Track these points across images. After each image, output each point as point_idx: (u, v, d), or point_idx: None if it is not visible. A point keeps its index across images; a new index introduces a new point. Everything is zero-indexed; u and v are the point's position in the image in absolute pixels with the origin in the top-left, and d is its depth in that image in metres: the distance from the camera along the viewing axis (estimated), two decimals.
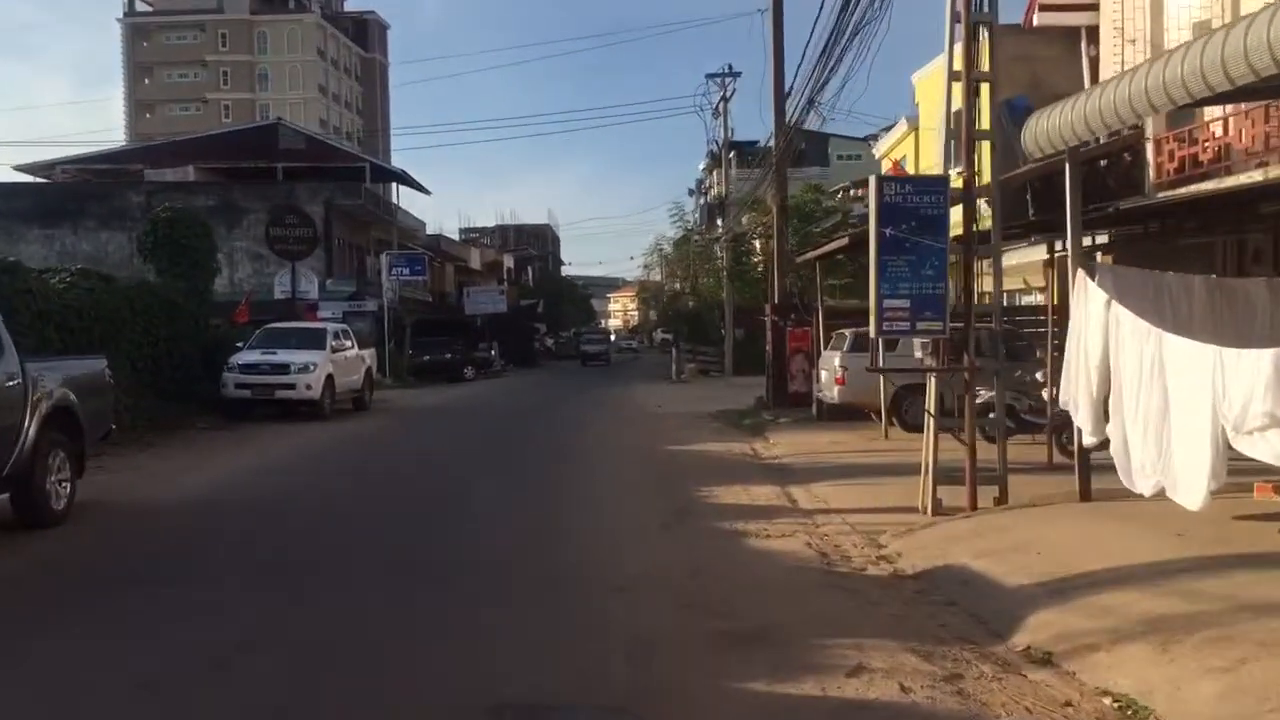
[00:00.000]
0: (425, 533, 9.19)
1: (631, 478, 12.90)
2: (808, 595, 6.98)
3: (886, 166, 36.42)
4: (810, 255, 19.76)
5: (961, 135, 9.24)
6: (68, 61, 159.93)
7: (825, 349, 18.91)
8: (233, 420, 19.97)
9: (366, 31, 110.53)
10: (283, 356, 20.04)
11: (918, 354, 10.01)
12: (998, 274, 9.78)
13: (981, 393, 15.61)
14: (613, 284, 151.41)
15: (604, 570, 7.66)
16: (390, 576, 7.53)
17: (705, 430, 18.98)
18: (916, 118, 30.86)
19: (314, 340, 21.05)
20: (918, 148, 27.17)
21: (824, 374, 18.53)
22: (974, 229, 9.31)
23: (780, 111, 21.06)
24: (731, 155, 40.54)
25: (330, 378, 20.49)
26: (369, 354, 23.87)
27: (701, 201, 40.72)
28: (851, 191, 43.24)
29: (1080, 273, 8.45)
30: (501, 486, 12.11)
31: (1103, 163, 17.17)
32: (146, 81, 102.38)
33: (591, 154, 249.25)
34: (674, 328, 60.45)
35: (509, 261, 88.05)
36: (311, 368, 19.94)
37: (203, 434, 18.44)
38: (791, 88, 21.14)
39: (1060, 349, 17.87)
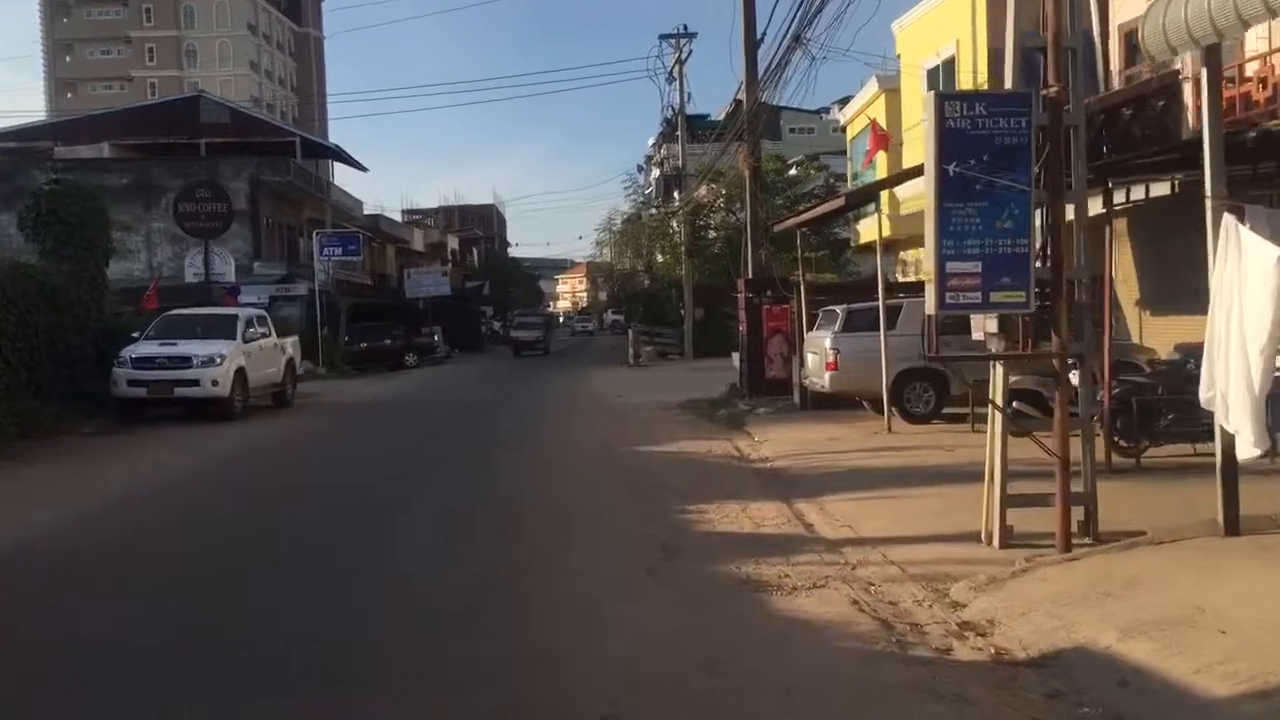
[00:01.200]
0: (321, 607, 6.62)
1: (598, 493, 10.42)
2: (893, 712, 4.57)
3: (854, 132, 34.17)
4: (792, 221, 17.37)
5: (1049, 40, 6.78)
6: None
7: (811, 329, 16.56)
8: (127, 422, 17.19)
9: (299, 5, 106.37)
10: (184, 348, 17.23)
11: (977, 334, 7.64)
12: (1081, 228, 7.40)
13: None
14: (561, 265, 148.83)
15: (579, 670, 5.19)
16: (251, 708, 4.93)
17: (676, 424, 16.54)
18: (896, 75, 28.67)
19: (223, 328, 18.25)
20: (896, 109, 24.85)
21: (810, 358, 16.18)
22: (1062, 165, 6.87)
23: (752, 59, 18.61)
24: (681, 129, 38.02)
25: (241, 371, 17.72)
26: (290, 342, 21.08)
27: (655, 174, 37.94)
28: (811, 165, 41.03)
29: (1229, 219, 6.09)
30: (435, 513, 9.57)
31: (1127, 111, 14.99)
32: (68, 59, 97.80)
33: (539, 129, 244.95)
34: (627, 308, 57.93)
35: (453, 242, 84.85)
36: (218, 360, 17.15)
37: (86, 441, 15.67)
38: (764, 34, 18.73)
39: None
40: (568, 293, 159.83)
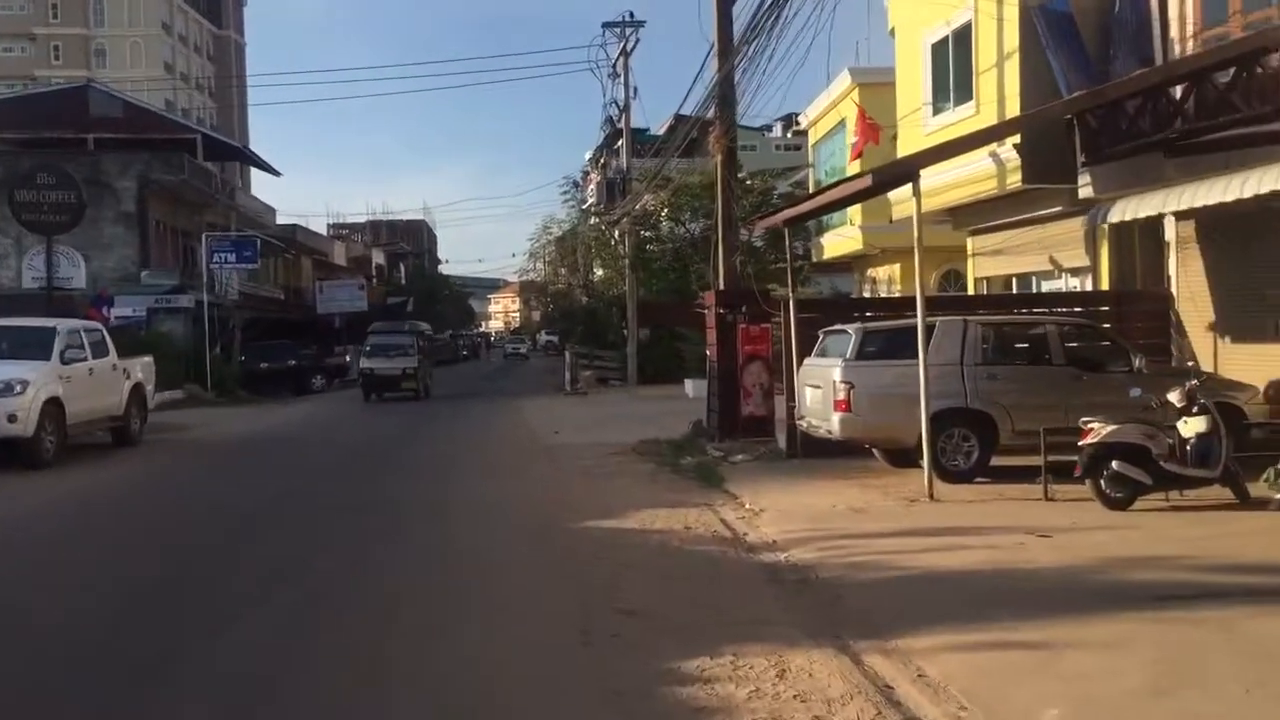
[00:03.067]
0: None
1: (523, 633, 6.32)
2: None
3: (820, 134, 30.69)
4: (802, 208, 13.30)
5: None
6: None
7: (808, 357, 12.74)
8: None
9: (220, 6, 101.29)
10: None
11: None
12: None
13: (1095, 427, 9.74)
14: (494, 284, 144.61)
15: None
16: None
17: (633, 479, 12.56)
18: (872, 68, 25.30)
19: (34, 345, 13.86)
20: (878, 102, 21.19)
21: (810, 393, 12.33)
22: None
23: (725, 15, 14.85)
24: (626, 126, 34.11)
25: (55, 402, 13.37)
26: (140, 364, 16.69)
27: (596, 180, 33.97)
28: (768, 175, 37.32)
29: None
30: (261, 668, 5.47)
31: (1223, 77, 11.48)
32: None
33: (473, 140, 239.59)
34: (563, 329, 53.77)
35: (379, 257, 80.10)
36: (17, 388, 12.78)
37: None
38: None
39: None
40: (500, 313, 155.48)
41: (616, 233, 33.62)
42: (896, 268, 27.87)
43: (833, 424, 11.43)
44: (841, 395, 11.22)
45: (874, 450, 12.50)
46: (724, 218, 15.59)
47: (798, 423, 12.81)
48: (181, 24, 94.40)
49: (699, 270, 34.86)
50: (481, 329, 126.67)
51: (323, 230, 69.55)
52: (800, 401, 12.69)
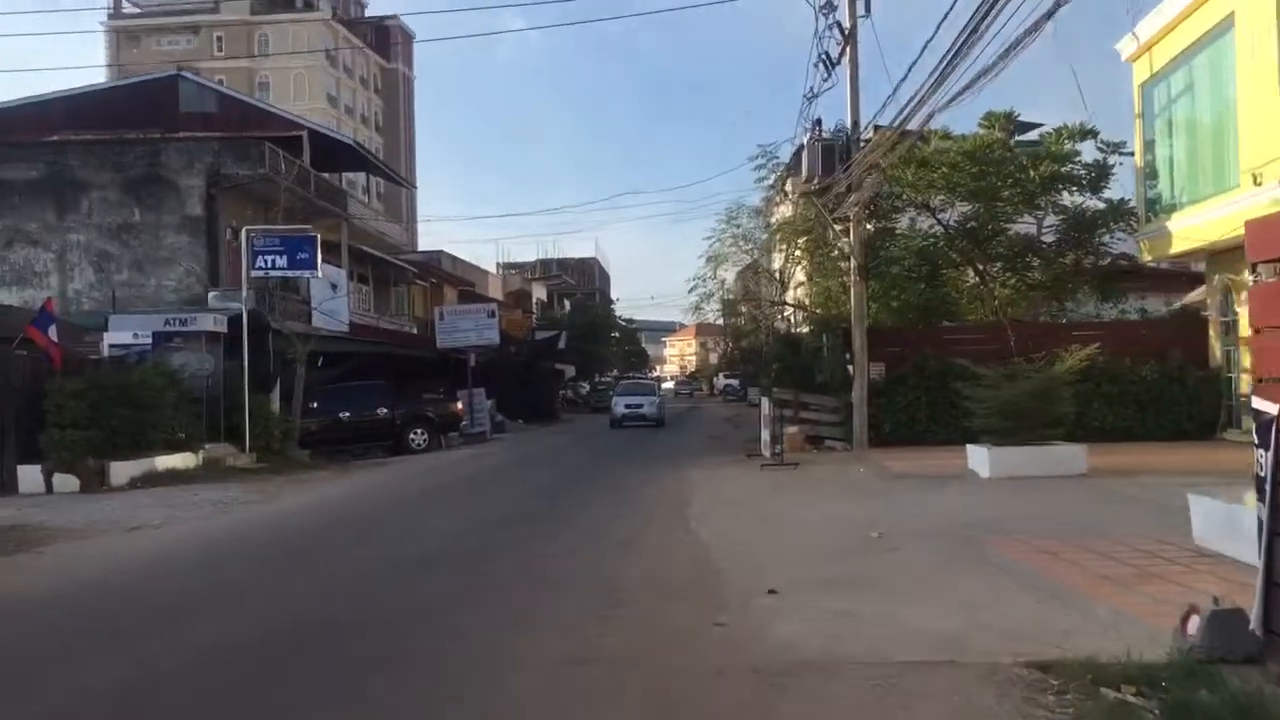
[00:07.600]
0: None
1: None
2: None
3: (1164, 58, 19.43)
4: None
5: None
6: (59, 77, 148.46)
7: None
8: None
9: (388, 39, 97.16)
10: None
11: None
12: None
13: None
14: (670, 328, 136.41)
15: None
16: None
17: None
18: None
19: None
20: None
21: None
22: None
23: None
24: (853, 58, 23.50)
25: None
26: None
27: (805, 141, 23.77)
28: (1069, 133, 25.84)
29: None
30: None
31: None
32: None
33: (655, 175, 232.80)
34: (745, 371, 43.35)
35: (540, 292, 71.96)
36: None
37: None
38: None
39: None
40: (676, 356, 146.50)
41: (835, 226, 23.01)
42: None
43: None
44: None
45: None
46: None
47: None
48: (347, 56, 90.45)
49: (953, 279, 23.93)
50: (656, 373, 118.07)
51: (495, 274, 61.71)
52: None
